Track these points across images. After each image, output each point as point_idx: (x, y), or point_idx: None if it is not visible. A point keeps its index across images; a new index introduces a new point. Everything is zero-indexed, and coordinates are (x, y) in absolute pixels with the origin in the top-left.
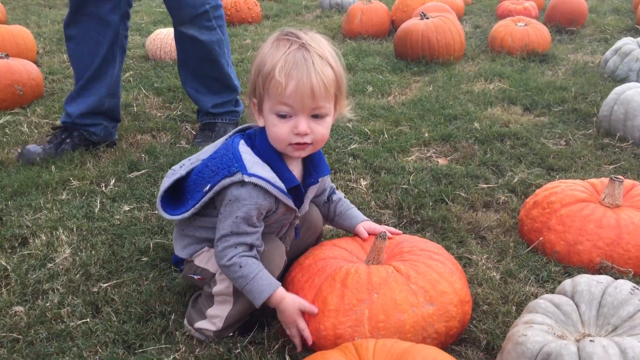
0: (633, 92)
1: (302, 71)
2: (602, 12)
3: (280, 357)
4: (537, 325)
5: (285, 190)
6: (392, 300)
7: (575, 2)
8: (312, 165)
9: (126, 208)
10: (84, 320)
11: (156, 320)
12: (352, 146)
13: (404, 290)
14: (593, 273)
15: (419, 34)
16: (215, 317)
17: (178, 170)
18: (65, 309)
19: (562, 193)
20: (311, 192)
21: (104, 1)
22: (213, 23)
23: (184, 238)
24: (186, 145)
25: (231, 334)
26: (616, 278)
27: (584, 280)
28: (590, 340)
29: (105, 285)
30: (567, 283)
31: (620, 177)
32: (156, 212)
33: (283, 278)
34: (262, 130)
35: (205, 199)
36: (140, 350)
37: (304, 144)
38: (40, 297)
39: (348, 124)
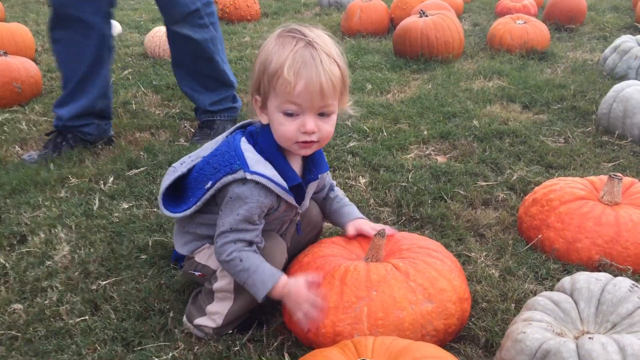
0: (632, 89)
1: (311, 70)
2: (601, 10)
3: (279, 355)
4: (536, 322)
5: (287, 188)
6: (391, 297)
7: None
8: (312, 162)
9: (125, 206)
10: (82, 318)
11: (155, 318)
12: (351, 144)
13: (403, 287)
14: (592, 270)
15: (418, 32)
16: (215, 313)
17: (179, 168)
18: (64, 307)
19: (561, 190)
20: (311, 188)
21: (83, 4)
22: (205, 20)
23: (184, 235)
24: (185, 143)
25: (230, 331)
26: (615, 275)
27: (583, 278)
28: (589, 338)
29: (104, 282)
30: (566, 280)
31: (619, 174)
32: (155, 209)
33: None
34: (265, 127)
35: (207, 196)
36: (139, 348)
37: (311, 142)
38: (39, 294)
39: (347, 122)
